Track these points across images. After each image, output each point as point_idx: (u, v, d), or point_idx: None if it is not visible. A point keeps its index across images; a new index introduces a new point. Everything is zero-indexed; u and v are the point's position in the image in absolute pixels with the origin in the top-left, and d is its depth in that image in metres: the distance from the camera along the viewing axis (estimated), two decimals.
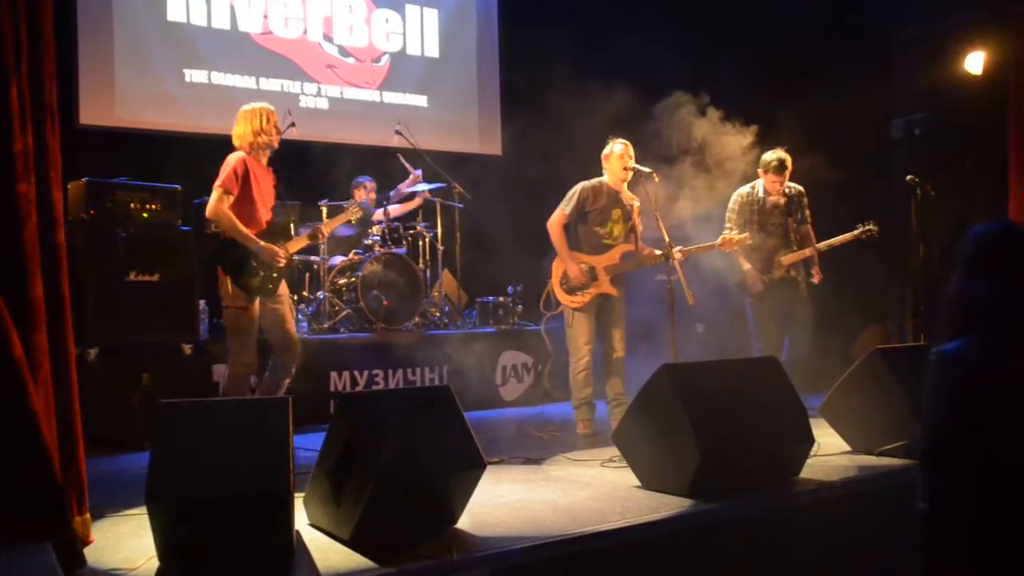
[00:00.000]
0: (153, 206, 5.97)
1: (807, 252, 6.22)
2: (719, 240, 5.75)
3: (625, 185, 5.75)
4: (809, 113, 7.38)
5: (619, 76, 8.07)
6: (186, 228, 6.13)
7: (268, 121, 5.04)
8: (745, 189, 6.26)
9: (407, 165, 7.91)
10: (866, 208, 7.47)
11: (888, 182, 8.89)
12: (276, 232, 5.10)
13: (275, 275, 5.01)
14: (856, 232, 6.31)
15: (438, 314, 7.83)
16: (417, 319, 7.40)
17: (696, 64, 8.73)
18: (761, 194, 6.22)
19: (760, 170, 6.22)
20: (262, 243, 4.90)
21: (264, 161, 5.12)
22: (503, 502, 3.87)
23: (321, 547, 3.24)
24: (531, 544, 3.18)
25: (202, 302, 6.37)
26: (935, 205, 7.55)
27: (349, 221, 6.13)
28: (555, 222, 5.78)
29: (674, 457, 3.86)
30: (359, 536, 3.16)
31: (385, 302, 7.07)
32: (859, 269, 7.75)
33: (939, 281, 7.89)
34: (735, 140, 6.26)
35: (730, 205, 6.27)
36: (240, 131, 5.05)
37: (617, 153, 5.70)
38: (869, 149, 8.83)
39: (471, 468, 3.33)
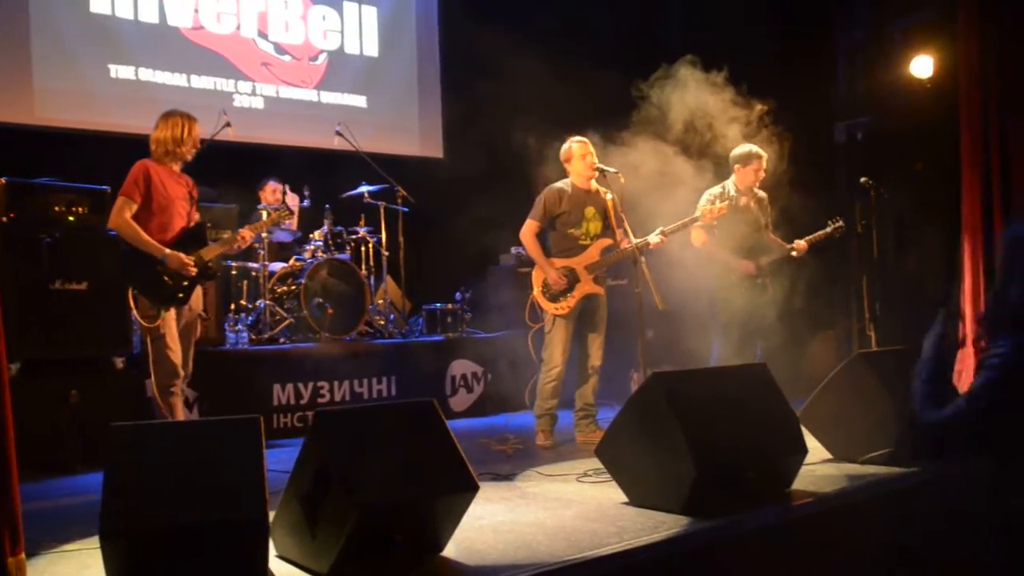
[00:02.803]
0: (80, 209, 5.53)
1: (784, 252, 6.06)
2: (698, 212, 5.47)
3: (593, 181, 5.52)
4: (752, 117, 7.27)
5: (562, 77, 7.88)
6: (115, 233, 5.67)
7: (189, 133, 4.81)
8: (716, 189, 5.97)
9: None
10: (811, 211, 7.42)
11: (832, 185, 8.88)
12: (189, 239, 4.83)
13: (185, 284, 4.75)
14: (828, 230, 6.16)
15: (383, 322, 7.50)
16: (362, 327, 7.05)
17: (636, 68, 8.61)
18: (732, 193, 5.96)
19: (737, 165, 5.92)
20: (167, 251, 4.66)
21: (177, 168, 4.87)
22: (485, 524, 3.58)
23: None
24: (532, 573, 2.90)
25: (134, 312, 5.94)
26: (883, 208, 7.53)
27: (278, 225, 5.85)
28: (527, 232, 5.51)
29: (667, 472, 3.62)
30: (339, 570, 2.84)
31: (330, 310, 6.72)
32: (804, 273, 7.68)
33: (891, 283, 7.91)
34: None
35: (701, 203, 5.94)
36: (158, 136, 4.81)
37: (577, 152, 5.46)
38: (813, 153, 8.78)
39: (461, 491, 3.03)
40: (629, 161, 5.69)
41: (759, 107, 6.14)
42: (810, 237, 6.13)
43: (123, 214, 4.62)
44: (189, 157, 4.87)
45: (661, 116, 6.01)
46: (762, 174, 5.97)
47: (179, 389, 4.76)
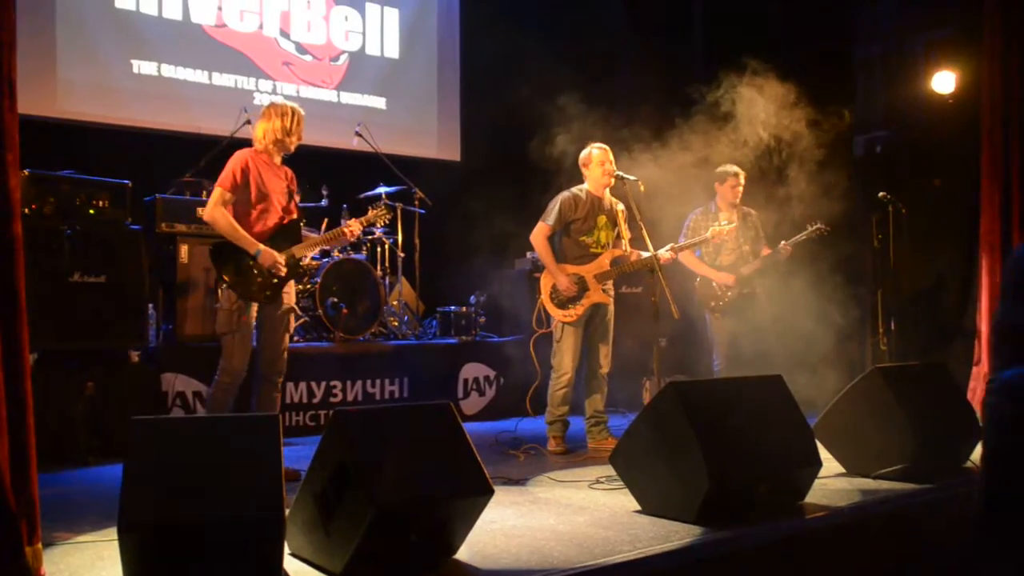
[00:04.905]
0: (101, 202, 5.54)
1: (763, 256, 6.21)
2: (709, 232, 5.62)
3: (608, 190, 5.53)
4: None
5: (582, 81, 7.86)
6: (136, 227, 5.70)
7: (299, 124, 4.76)
8: (699, 210, 6.26)
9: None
10: (827, 223, 7.39)
11: (850, 199, 8.84)
12: (283, 235, 4.76)
13: (275, 281, 4.68)
14: (809, 230, 6.18)
15: (396, 323, 7.51)
16: (376, 328, 7.06)
17: (659, 76, 8.60)
18: (714, 211, 6.21)
19: (716, 183, 6.19)
20: (261, 247, 4.60)
21: (278, 160, 4.82)
22: (497, 528, 3.58)
23: None
24: None
25: (150, 306, 5.97)
26: (901, 222, 7.50)
27: (376, 224, 5.64)
28: (538, 235, 5.50)
29: (680, 481, 3.62)
30: (353, 570, 2.84)
31: (344, 310, 6.72)
32: (818, 286, 7.65)
33: (906, 298, 7.88)
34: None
35: (687, 224, 6.25)
36: (267, 126, 4.73)
37: (597, 158, 5.47)
38: (832, 166, 8.76)
39: (477, 494, 3.04)
40: (656, 169, 5.75)
41: (847, 114, 6.27)
42: (793, 239, 6.20)
43: (218, 206, 4.56)
44: (293, 149, 4.82)
45: (708, 123, 6.10)
46: (739, 190, 6.16)
47: (235, 388, 4.68)
